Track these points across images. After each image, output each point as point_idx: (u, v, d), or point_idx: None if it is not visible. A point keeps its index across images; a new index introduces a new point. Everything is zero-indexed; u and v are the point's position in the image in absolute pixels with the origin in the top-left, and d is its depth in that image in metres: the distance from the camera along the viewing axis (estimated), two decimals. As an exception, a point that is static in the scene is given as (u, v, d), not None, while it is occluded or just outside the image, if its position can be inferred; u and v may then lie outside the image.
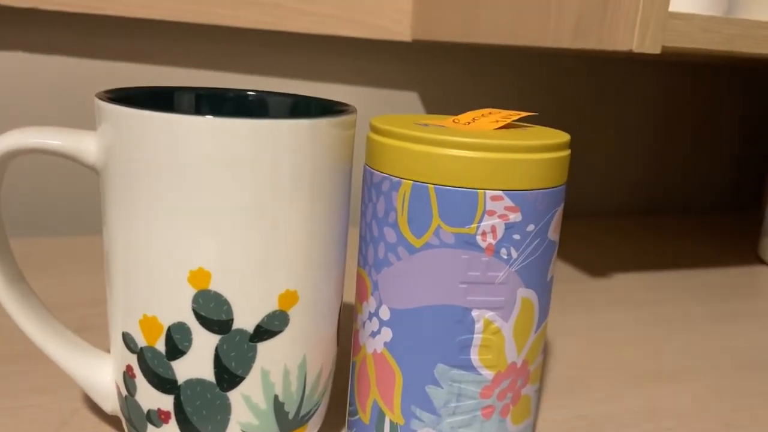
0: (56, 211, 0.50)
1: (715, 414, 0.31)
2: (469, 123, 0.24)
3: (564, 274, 0.49)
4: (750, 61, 0.54)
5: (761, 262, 0.55)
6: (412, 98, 0.58)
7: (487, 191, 0.21)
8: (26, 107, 0.48)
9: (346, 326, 0.36)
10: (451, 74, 0.59)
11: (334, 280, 0.23)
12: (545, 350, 0.36)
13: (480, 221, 0.22)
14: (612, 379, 0.34)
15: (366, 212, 0.24)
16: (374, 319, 0.24)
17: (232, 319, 0.20)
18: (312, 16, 0.50)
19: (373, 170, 0.23)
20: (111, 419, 0.26)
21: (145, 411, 0.22)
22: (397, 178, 0.22)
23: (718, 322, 0.42)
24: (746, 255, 0.57)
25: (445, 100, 0.59)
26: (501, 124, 0.24)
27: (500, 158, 0.21)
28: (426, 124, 0.24)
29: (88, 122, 0.49)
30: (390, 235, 0.23)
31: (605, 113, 0.66)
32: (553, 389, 0.32)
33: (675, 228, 0.64)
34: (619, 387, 0.33)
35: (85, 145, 0.21)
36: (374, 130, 0.24)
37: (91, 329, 0.34)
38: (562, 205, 0.23)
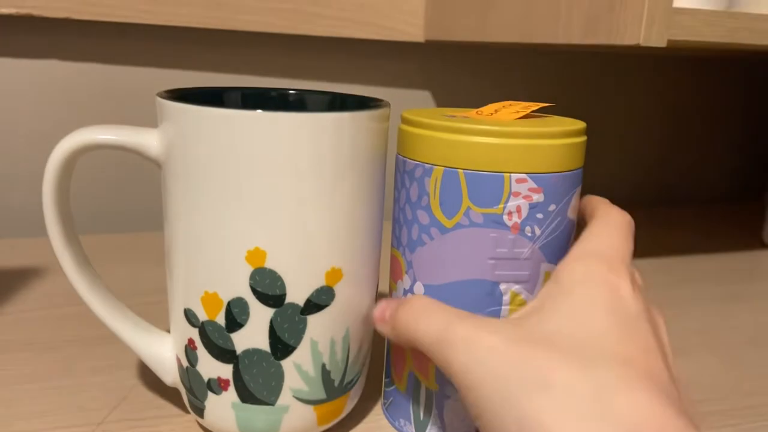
0: (96, 211, 0.53)
1: (731, 384, 0.33)
2: (491, 114, 0.26)
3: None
4: (753, 53, 0.56)
5: (766, 247, 0.57)
6: (425, 97, 0.61)
7: (512, 174, 0.23)
8: (69, 113, 0.50)
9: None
10: (462, 73, 0.61)
11: (373, 260, 0.25)
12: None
13: (506, 202, 0.24)
14: (627, 354, 0.36)
15: (399, 197, 0.26)
16: (409, 295, 0.26)
17: (285, 294, 0.23)
18: (329, 19, 0.52)
19: (405, 158, 0.26)
20: (167, 393, 0.29)
21: (206, 380, 0.24)
22: (429, 165, 0.24)
23: (726, 302, 0.44)
24: (752, 241, 0.58)
25: (457, 99, 0.62)
26: (521, 114, 0.26)
27: (524, 144, 0.23)
28: (452, 116, 0.26)
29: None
30: (423, 217, 0.25)
31: (614, 112, 0.68)
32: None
33: (683, 217, 0.65)
34: (634, 361, 0.35)
35: (148, 140, 0.23)
36: (406, 122, 0.26)
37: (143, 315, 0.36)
38: (580, 186, 0.26)
